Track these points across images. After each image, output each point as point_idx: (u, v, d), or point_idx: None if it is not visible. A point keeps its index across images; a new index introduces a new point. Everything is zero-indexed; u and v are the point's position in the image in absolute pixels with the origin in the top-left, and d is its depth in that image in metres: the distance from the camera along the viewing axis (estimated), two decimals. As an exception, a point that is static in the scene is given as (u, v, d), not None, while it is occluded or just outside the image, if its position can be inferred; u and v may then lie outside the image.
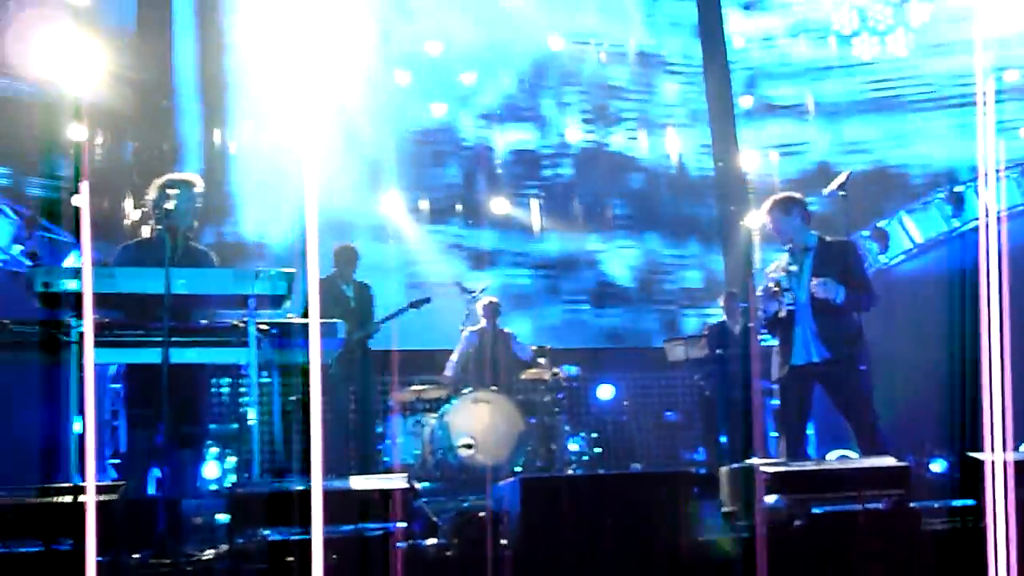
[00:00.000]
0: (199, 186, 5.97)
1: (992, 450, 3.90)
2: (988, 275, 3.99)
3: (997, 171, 10.47)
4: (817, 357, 6.19)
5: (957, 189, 11.45)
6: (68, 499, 4.07)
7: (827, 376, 6.21)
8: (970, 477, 4.79)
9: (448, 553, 4.14)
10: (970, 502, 4.91)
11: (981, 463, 4.64)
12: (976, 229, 11.28)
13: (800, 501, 4.36)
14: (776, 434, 8.93)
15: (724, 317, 10.14)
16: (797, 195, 6.54)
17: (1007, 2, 10.78)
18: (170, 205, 5.26)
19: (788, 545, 4.21)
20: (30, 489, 4.17)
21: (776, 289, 6.29)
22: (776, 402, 8.35)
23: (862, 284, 6.29)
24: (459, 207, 12.31)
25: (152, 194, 5.92)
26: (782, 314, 6.28)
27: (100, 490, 4.16)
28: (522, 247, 12.44)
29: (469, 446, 8.88)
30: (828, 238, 6.41)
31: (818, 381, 6.26)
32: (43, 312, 5.10)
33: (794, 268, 6.33)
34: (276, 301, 5.34)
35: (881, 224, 11.76)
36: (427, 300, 9.35)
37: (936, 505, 5.81)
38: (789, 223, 6.36)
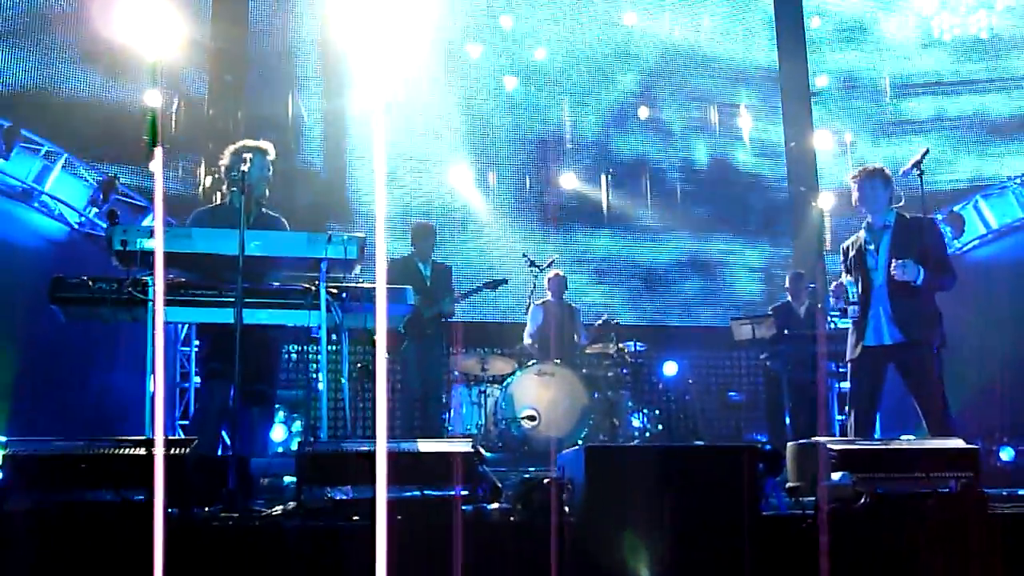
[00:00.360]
0: (271, 154, 6.05)
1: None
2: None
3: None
4: (890, 339, 6.09)
5: (1035, 174, 11.21)
6: (141, 451, 4.16)
7: (901, 359, 6.10)
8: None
9: (511, 519, 4.16)
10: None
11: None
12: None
13: (866, 479, 4.32)
14: (842, 416, 8.87)
15: (789, 298, 10.08)
16: (886, 169, 6.38)
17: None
18: (244, 169, 5.33)
19: (852, 523, 4.17)
20: (105, 440, 4.25)
21: (845, 297, 6.25)
22: (845, 384, 8.29)
23: (941, 263, 6.13)
24: (530, 182, 12.32)
25: (226, 160, 6.02)
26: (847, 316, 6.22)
27: (172, 445, 4.26)
28: (593, 223, 12.41)
29: (532, 418, 8.92)
30: (908, 215, 6.27)
31: (892, 363, 6.15)
32: (121, 271, 5.20)
33: (871, 247, 6.23)
34: (347, 265, 5.40)
35: (956, 208, 11.55)
36: (504, 281, 9.54)
37: (1004, 492, 5.76)
38: (875, 196, 6.23)
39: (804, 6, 12.99)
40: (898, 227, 6.21)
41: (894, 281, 6.05)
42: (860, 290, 6.27)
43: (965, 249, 11.54)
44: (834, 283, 6.75)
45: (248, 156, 5.56)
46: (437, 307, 8.74)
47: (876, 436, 6.25)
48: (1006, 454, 9.30)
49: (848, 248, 6.48)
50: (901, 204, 6.31)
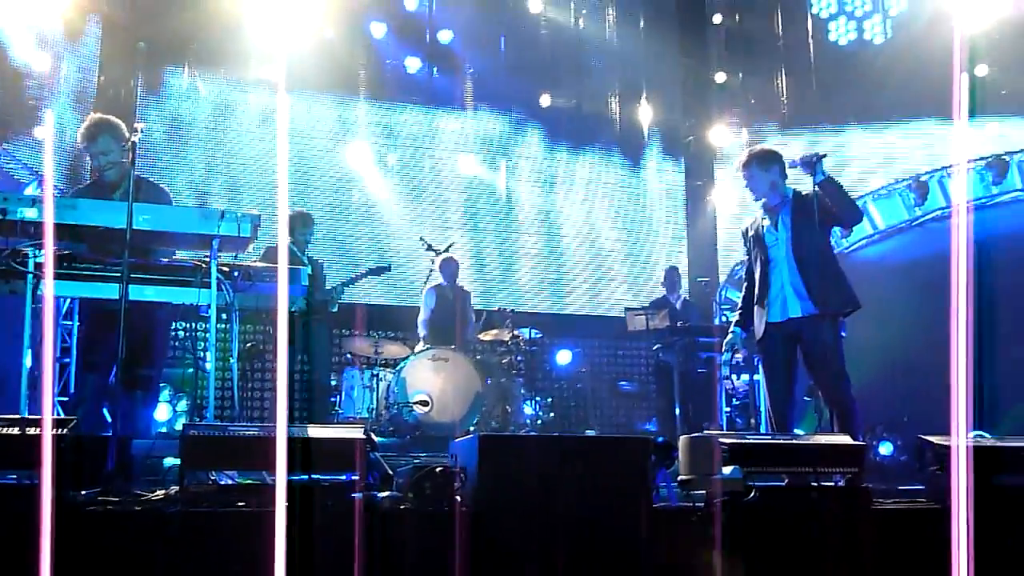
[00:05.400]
0: (139, 129, 5.88)
1: (956, 434, 3.92)
2: (959, 264, 4.00)
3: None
4: (797, 312, 6.00)
5: (923, 178, 11.53)
6: (15, 431, 3.97)
7: (805, 333, 5.99)
8: (920, 460, 4.84)
9: (403, 506, 4.10)
10: (919, 485, 4.98)
11: (932, 446, 4.70)
12: (938, 219, 11.40)
13: (756, 473, 4.37)
14: (729, 409, 9.02)
15: (664, 291, 10.40)
16: (775, 149, 6.40)
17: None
18: (135, 140, 5.15)
19: (741, 516, 4.21)
20: (-23, 419, 4.04)
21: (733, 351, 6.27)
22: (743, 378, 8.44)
23: (842, 201, 6.07)
24: (427, 163, 12.22)
25: (83, 138, 5.82)
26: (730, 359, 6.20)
27: (51, 424, 4.08)
28: (489, 207, 12.38)
29: (424, 403, 8.86)
30: (803, 191, 6.21)
31: (798, 340, 6.05)
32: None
33: (769, 223, 6.22)
34: (240, 243, 5.27)
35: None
36: (387, 268, 9.46)
37: (883, 487, 5.91)
38: (766, 178, 6.21)
39: (708, 1, 13.12)
40: (796, 200, 6.18)
41: (797, 252, 6.02)
42: (760, 271, 6.22)
43: (852, 249, 11.83)
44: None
45: (138, 127, 5.38)
46: (322, 294, 8.63)
47: (793, 427, 6.15)
48: (885, 448, 9.57)
49: (747, 230, 6.47)
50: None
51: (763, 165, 6.25)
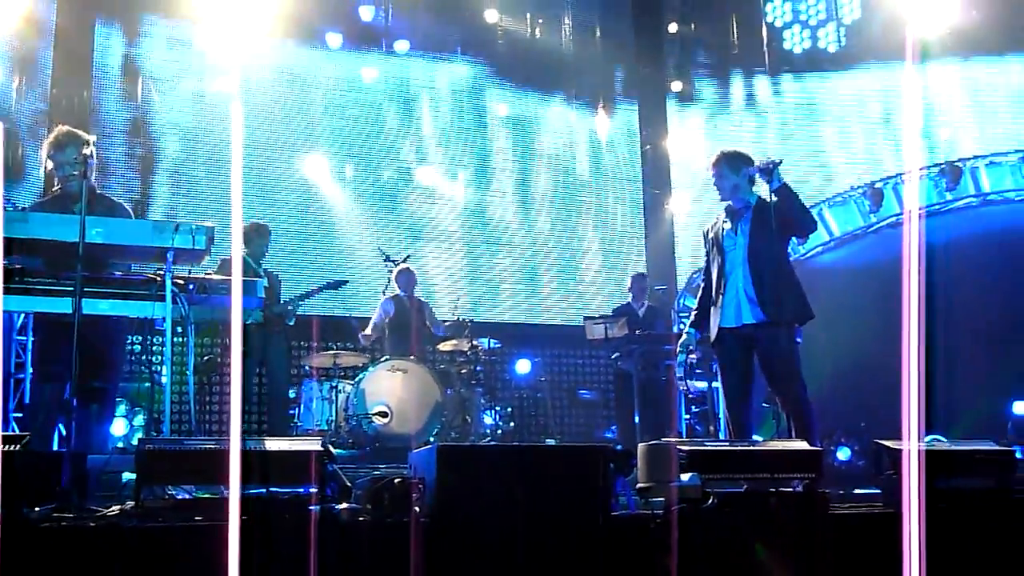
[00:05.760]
0: (91, 142, 5.82)
1: (909, 439, 3.97)
2: (911, 270, 4.05)
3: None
4: (750, 319, 6.02)
5: (877, 185, 11.66)
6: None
7: (759, 340, 6.01)
8: (877, 465, 4.89)
9: (361, 518, 4.08)
10: (875, 489, 5.04)
11: (887, 450, 4.75)
12: (893, 225, 11.54)
13: (714, 480, 4.39)
14: (688, 416, 9.05)
15: (631, 298, 10.41)
16: (745, 152, 6.39)
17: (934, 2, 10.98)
18: (87, 153, 5.10)
19: (700, 523, 4.23)
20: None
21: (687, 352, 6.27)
22: (700, 384, 8.46)
23: (797, 209, 6.12)
24: (386, 174, 12.19)
25: (55, 147, 5.77)
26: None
27: (2, 440, 4.02)
28: (446, 218, 12.37)
29: (384, 414, 8.82)
30: (767, 198, 6.15)
31: (753, 345, 6.06)
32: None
33: (729, 227, 6.23)
34: (195, 256, 5.22)
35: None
36: (344, 282, 9.45)
37: (841, 492, 5.97)
38: (732, 179, 6.21)
39: (663, 11, 13.20)
40: (758, 207, 6.16)
41: (753, 259, 6.04)
42: (716, 274, 6.24)
43: (808, 255, 11.94)
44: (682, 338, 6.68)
45: (91, 139, 5.34)
46: (280, 307, 8.58)
47: (751, 432, 6.17)
48: (843, 454, 9.67)
49: (708, 232, 6.48)
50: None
51: (732, 166, 6.25)
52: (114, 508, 4.10)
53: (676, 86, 13.23)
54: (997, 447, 5.23)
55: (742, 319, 6.08)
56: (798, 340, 6.14)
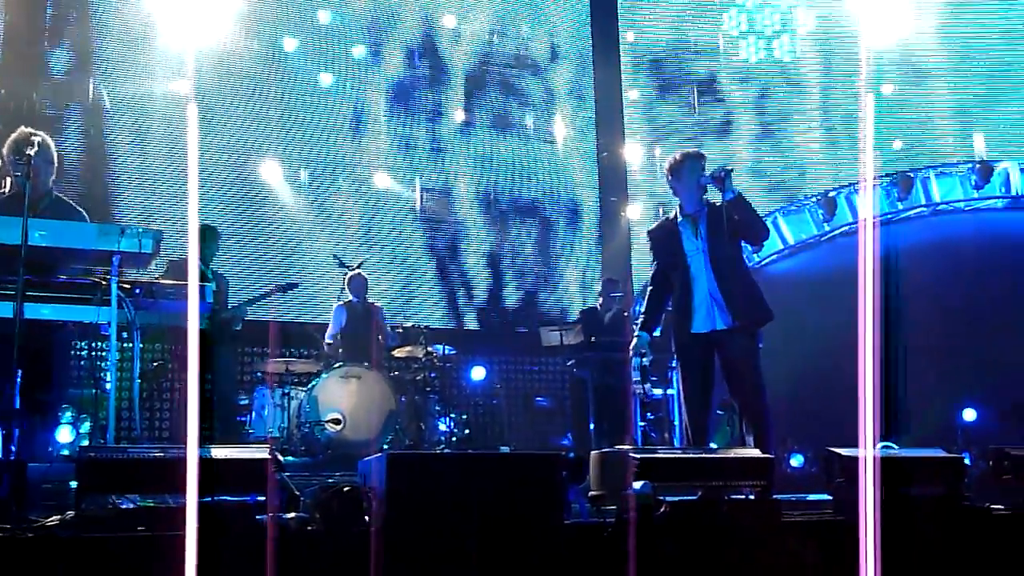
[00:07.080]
0: (51, 144, 5.71)
1: (863, 446, 3.96)
2: (866, 278, 4.05)
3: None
4: (721, 324, 5.96)
5: (831, 194, 11.76)
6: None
7: (725, 345, 5.96)
8: (828, 472, 4.90)
9: (310, 528, 4.01)
10: (825, 496, 5.04)
11: (840, 458, 4.76)
12: (846, 234, 11.64)
13: (667, 488, 4.37)
14: (644, 423, 9.05)
15: (599, 302, 10.27)
16: (692, 155, 6.30)
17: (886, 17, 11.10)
18: (31, 153, 5.00)
19: (652, 531, 4.21)
20: None
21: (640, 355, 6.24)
22: (656, 390, 8.42)
23: (752, 218, 6.13)
24: (341, 179, 12.10)
25: (8, 147, 5.65)
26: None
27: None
28: (405, 224, 12.29)
29: (337, 422, 8.73)
30: (716, 202, 6.11)
31: (716, 349, 6.01)
32: None
33: (688, 230, 6.15)
34: (142, 260, 5.13)
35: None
36: (295, 285, 9.39)
37: (794, 498, 5.97)
38: (694, 181, 6.13)
39: (619, 19, 13.24)
40: (710, 212, 6.11)
41: (714, 263, 5.99)
42: (680, 279, 6.14)
43: (763, 263, 11.99)
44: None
45: (36, 140, 5.23)
46: (228, 311, 8.48)
47: (710, 438, 6.14)
48: (796, 460, 9.71)
49: (655, 232, 6.42)
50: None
51: (691, 168, 6.18)
52: (53, 518, 4.00)
53: (633, 94, 13.26)
54: (947, 454, 5.27)
55: (713, 324, 6.01)
56: (760, 344, 6.13)
